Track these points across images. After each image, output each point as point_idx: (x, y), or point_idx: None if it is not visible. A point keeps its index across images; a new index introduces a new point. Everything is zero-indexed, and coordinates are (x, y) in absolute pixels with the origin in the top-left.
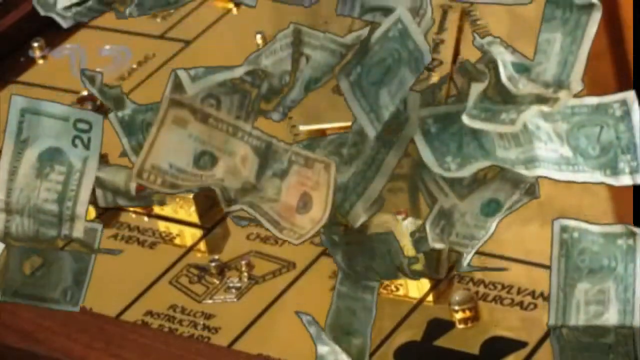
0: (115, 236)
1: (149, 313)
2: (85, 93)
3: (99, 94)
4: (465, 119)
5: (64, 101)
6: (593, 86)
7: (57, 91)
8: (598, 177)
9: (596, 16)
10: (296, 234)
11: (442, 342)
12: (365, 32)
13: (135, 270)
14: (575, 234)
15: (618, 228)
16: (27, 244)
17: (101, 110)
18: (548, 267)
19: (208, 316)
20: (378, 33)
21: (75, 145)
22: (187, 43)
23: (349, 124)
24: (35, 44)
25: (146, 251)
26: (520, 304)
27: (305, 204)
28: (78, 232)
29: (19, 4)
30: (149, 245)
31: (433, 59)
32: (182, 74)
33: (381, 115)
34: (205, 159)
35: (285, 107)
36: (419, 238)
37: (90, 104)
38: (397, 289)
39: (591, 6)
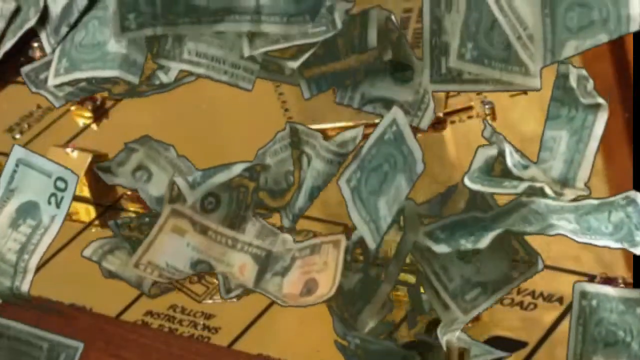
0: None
1: (149, 313)
2: None
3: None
4: (466, 181)
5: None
6: None
7: None
8: (616, 245)
9: (603, 116)
10: (302, 305)
11: None
12: (359, 133)
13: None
14: (594, 302)
15: (638, 294)
16: None
17: (102, 108)
18: (548, 267)
19: (208, 316)
20: (375, 135)
21: (49, 203)
22: None
23: (349, 123)
24: (35, 44)
25: None
26: (520, 304)
27: (309, 289)
28: (26, 285)
29: None
30: None
31: None
32: (181, 183)
33: (380, 227)
34: (202, 266)
35: (295, 215)
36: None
37: (90, 103)
38: (397, 289)
39: (598, 106)
